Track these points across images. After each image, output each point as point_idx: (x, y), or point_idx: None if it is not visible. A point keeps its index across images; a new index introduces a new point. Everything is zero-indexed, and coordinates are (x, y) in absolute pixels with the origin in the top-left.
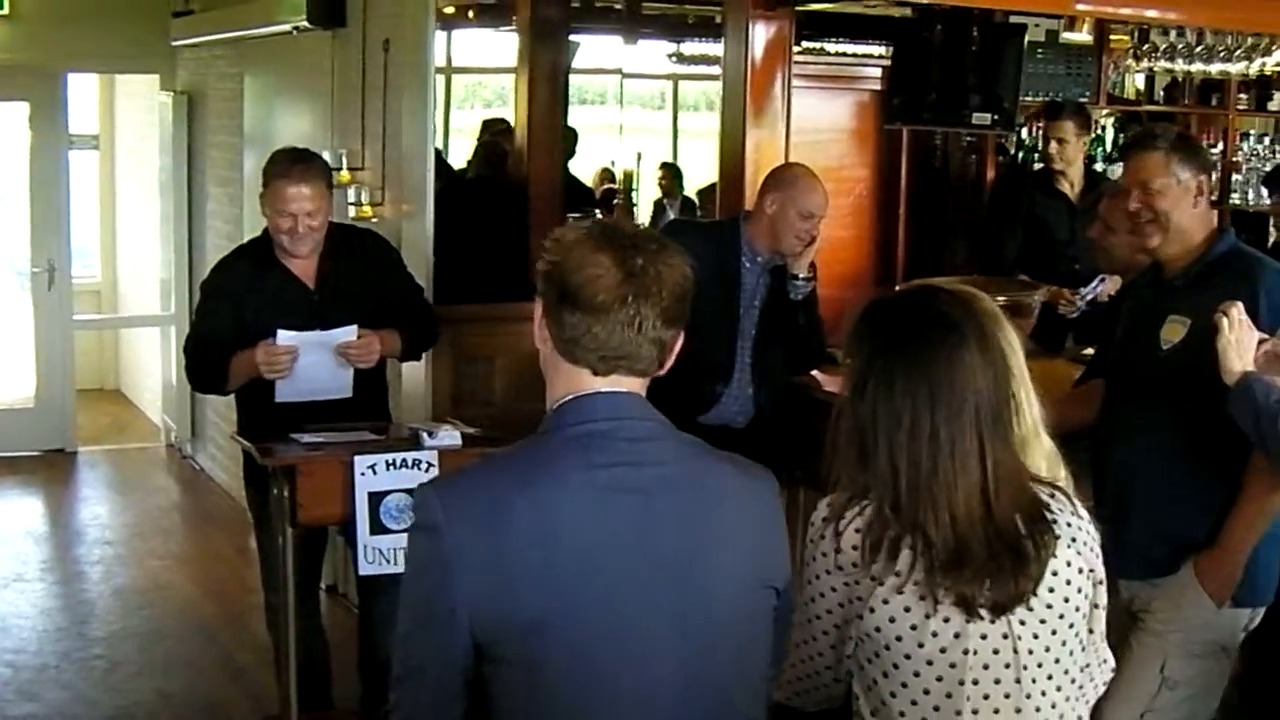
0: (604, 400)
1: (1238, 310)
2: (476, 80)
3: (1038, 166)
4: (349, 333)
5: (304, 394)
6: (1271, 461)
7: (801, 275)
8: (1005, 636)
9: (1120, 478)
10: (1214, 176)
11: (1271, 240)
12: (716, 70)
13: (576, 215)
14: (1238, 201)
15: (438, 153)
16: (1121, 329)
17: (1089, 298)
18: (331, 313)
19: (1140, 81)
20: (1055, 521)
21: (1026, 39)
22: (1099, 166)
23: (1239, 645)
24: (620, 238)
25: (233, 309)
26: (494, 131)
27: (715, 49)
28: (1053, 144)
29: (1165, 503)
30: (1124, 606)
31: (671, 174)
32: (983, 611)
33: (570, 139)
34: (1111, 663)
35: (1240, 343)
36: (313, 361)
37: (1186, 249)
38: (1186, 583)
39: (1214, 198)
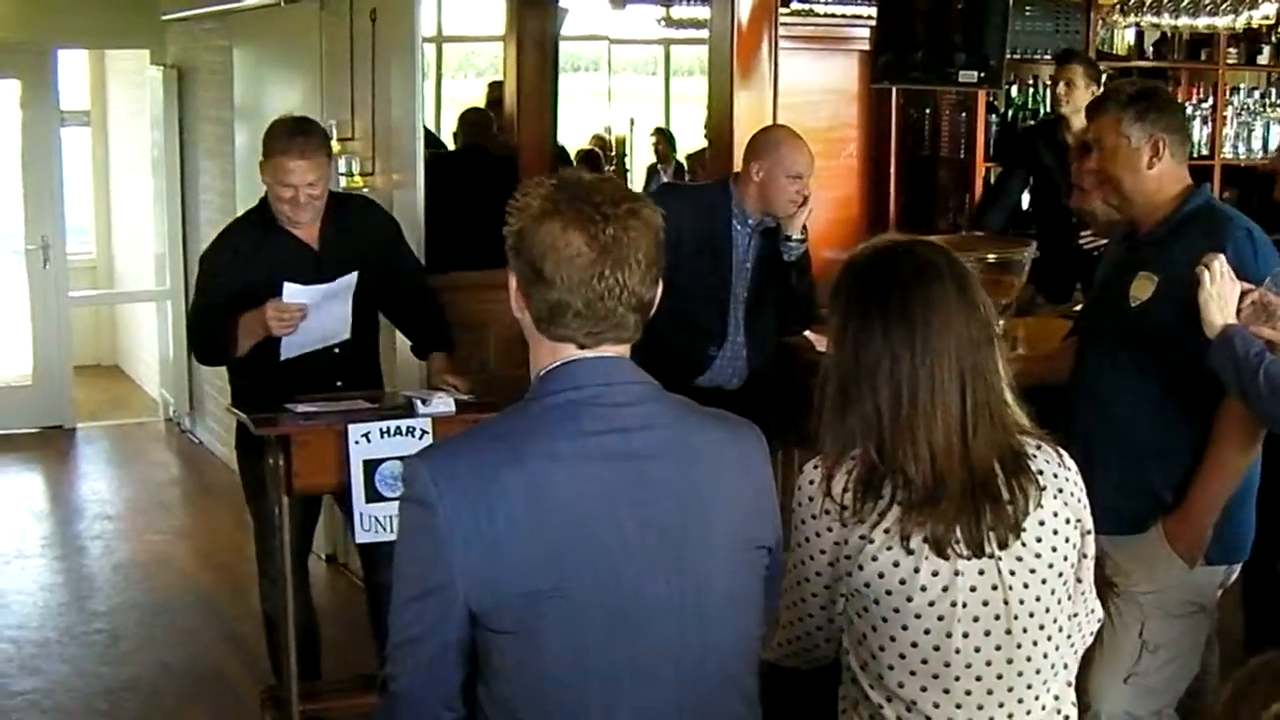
0: (591, 366)
1: (1220, 263)
2: (470, 49)
3: (1029, 123)
4: (350, 280)
5: (307, 346)
6: (1251, 414)
7: (795, 236)
8: (995, 588)
9: (1088, 433)
10: (1196, 131)
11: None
12: (706, 34)
13: None
14: (1229, 156)
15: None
16: (1095, 285)
17: None
18: (335, 272)
19: (1130, 37)
20: (1041, 472)
21: None
22: None
23: (1217, 601)
24: (587, 207)
25: (237, 276)
26: (489, 100)
27: (705, 12)
28: (1061, 85)
29: (1133, 458)
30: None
31: (665, 139)
32: (957, 549)
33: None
34: (1099, 613)
35: (1222, 295)
36: (317, 313)
37: (1153, 206)
38: (1157, 545)
39: (1205, 152)
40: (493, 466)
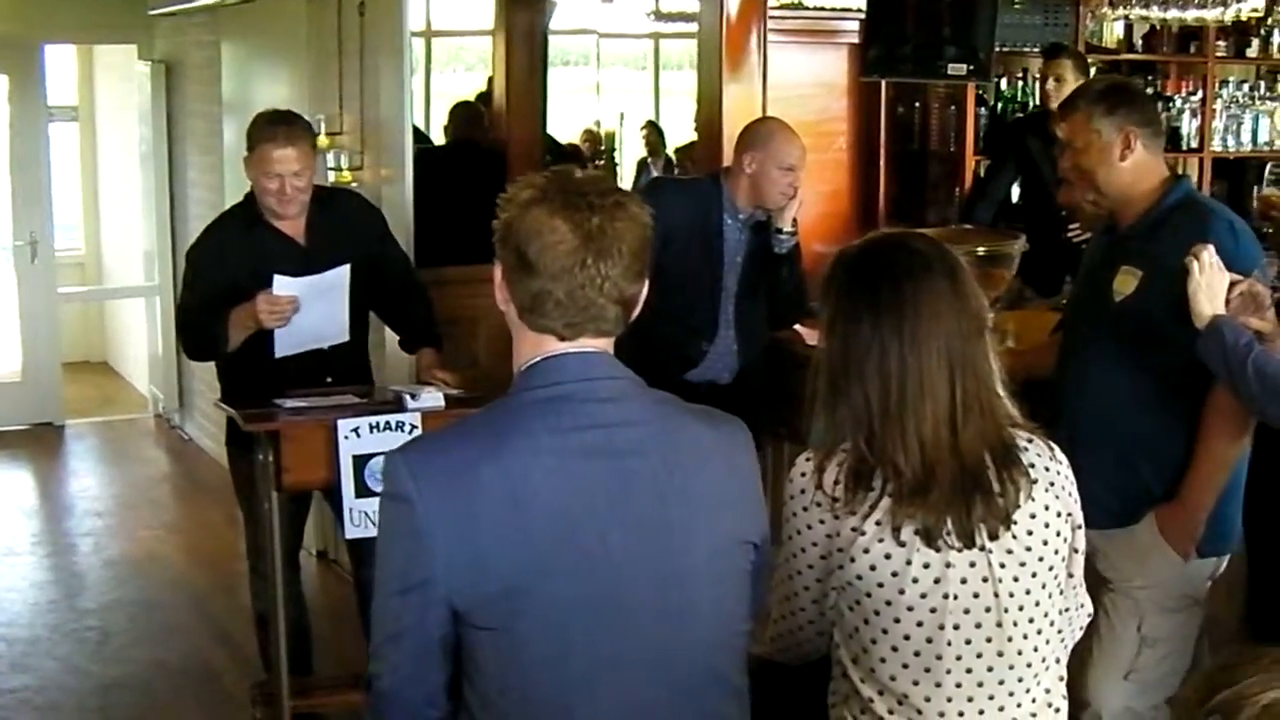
0: (572, 361)
1: (1209, 253)
2: (459, 44)
3: (1017, 116)
4: (342, 274)
5: (302, 344)
6: (1241, 404)
7: (786, 229)
8: (985, 580)
9: (1075, 428)
10: (1185, 124)
11: None
12: (695, 28)
13: None
14: (1218, 149)
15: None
16: (1078, 278)
17: None
18: (323, 267)
19: (1119, 29)
20: (1033, 465)
21: None
22: None
23: (1207, 593)
24: (575, 197)
25: (224, 272)
26: (478, 95)
27: (694, 6)
28: (1050, 81)
29: (1122, 452)
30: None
31: (655, 132)
32: (948, 540)
33: None
34: (1089, 607)
35: (1211, 286)
36: (309, 307)
37: (1129, 199)
38: (1151, 539)
39: (1194, 145)
40: (472, 462)
